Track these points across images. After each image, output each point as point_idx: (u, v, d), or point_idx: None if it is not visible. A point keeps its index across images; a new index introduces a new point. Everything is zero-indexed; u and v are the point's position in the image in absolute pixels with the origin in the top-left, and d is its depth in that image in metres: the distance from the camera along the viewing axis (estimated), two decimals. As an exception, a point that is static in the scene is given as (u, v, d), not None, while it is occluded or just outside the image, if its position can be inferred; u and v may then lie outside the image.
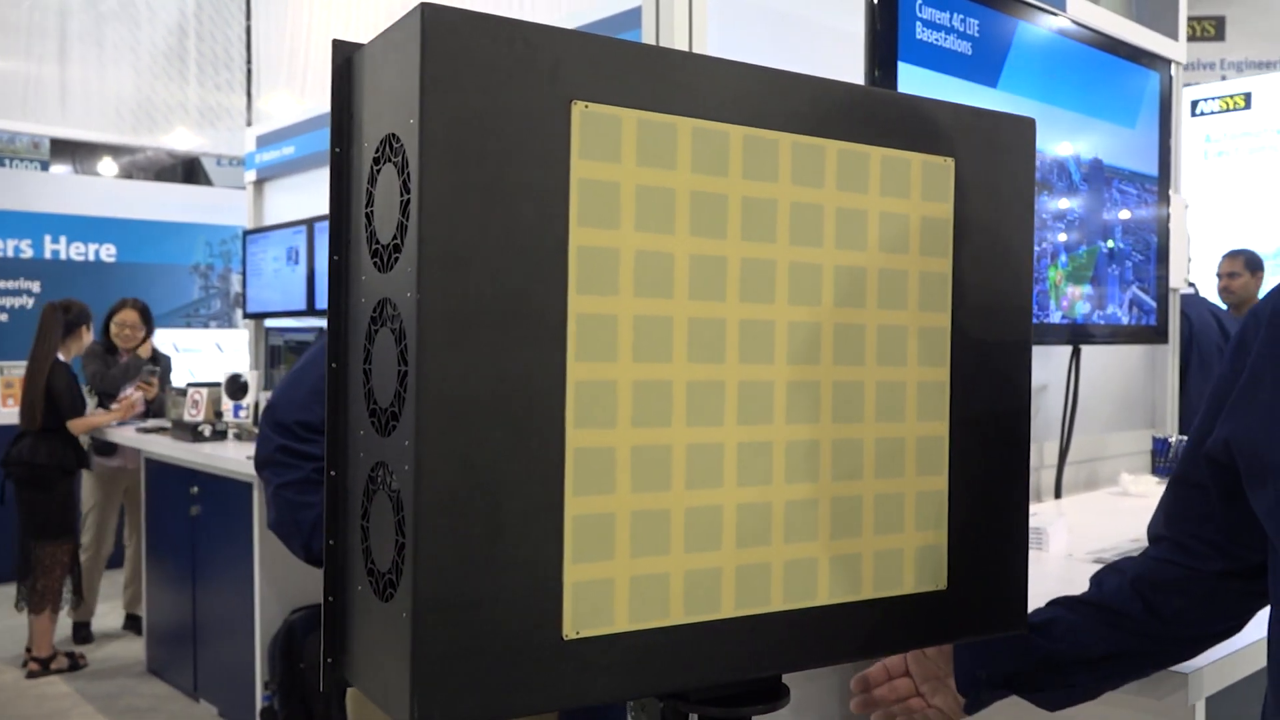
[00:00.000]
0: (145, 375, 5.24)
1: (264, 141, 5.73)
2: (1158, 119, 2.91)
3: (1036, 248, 2.31)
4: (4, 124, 8.01)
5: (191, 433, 4.47)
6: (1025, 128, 1.18)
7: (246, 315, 5.63)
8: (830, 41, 2.14)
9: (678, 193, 0.95)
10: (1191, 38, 3.19)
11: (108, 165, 11.08)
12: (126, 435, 4.90)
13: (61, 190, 8.78)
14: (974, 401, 1.14)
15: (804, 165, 1.02)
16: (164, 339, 6.26)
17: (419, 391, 0.83)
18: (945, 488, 1.12)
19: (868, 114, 1.07)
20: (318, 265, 4.83)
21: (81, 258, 8.42)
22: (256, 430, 2.63)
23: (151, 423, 5.07)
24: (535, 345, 0.88)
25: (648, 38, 1.86)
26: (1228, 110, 6.66)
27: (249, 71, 7.47)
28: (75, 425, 4.86)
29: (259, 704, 3.83)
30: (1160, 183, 2.91)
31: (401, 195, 0.86)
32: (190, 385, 4.87)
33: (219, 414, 4.69)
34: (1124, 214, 2.77)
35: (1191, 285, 4.60)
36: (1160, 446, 3.09)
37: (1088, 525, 2.34)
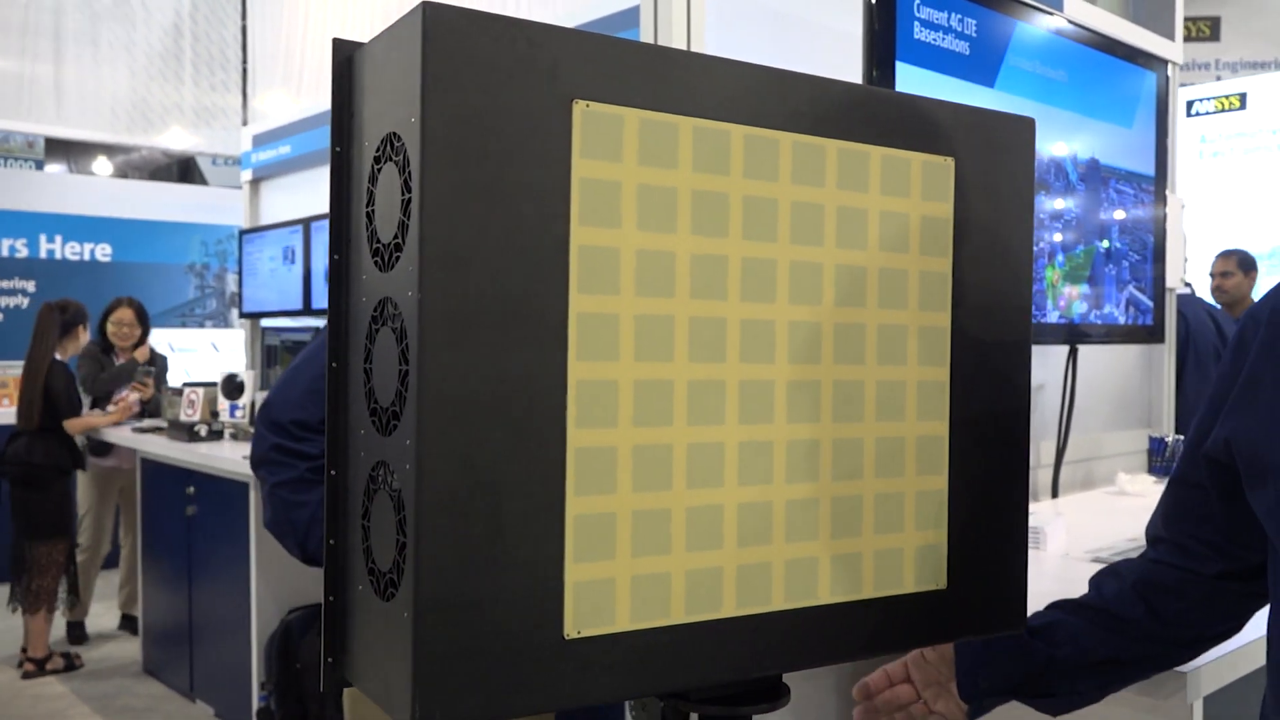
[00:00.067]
0: (140, 376, 5.23)
1: (260, 141, 5.72)
2: (1154, 119, 2.91)
3: (1034, 247, 2.32)
4: (-1, 123, 8.01)
5: (188, 433, 4.46)
6: (1025, 127, 1.18)
7: (243, 315, 5.63)
8: (828, 41, 2.14)
9: (679, 192, 0.95)
10: (1187, 38, 3.20)
11: (102, 164, 11.07)
12: (122, 435, 4.89)
13: (56, 189, 8.76)
14: (974, 401, 1.14)
15: (805, 164, 1.02)
16: (159, 339, 6.26)
17: (420, 391, 0.83)
18: (945, 487, 1.12)
19: (868, 113, 1.07)
20: (314, 265, 4.82)
21: (76, 257, 8.41)
22: (253, 430, 2.63)
23: (147, 422, 5.06)
24: (536, 344, 0.88)
25: (646, 37, 1.86)
26: (1223, 111, 6.68)
27: (244, 71, 7.45)
28: (71, 425, 4.85)
29: (255, 704, 3.82)
30: (1157, 182, 2.91)
31: (403, 194, 0.86)
32: (186, 385, 4.87)
33: (215, 414, 4.68)
34: (1121, 214, 2.77)
35: (1188, 285, 4.61)
36: (1157, 446, 3.09)
37: (1085, 525, 2.34)
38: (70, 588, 4.93)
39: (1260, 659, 1.33)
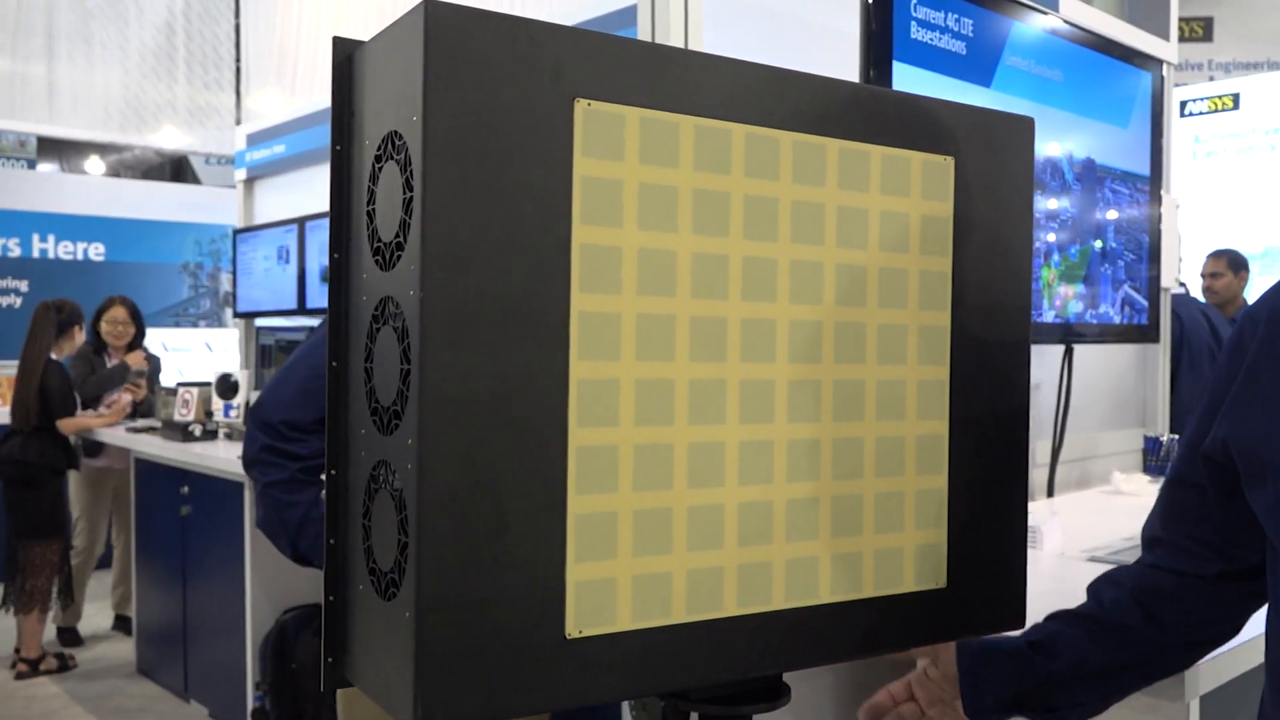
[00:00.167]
0: (133, 377, 5.22)
1: (254, 140, 5.71)
2: (1150, 119, 2.92)
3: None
4: (-9, 122, 7.98)
5: (182, 432, 4.45)
6: (1024, 127, 1.18)
7: (237, 314, 5.61)
8: (825, 40, 2.15)
9: (680, 191, 0.95)
10: (1180, 39, 3.21)
11: (95, 164, 11.03)
12: (116, 435, 4.87)
13: (49, 189, 8.73)
14: (974, 400, 1.14)
15: (805, 163, 1.02)
16: (153, 338, 6.23)
17: (422, 390, 0.83)
18: (945, 486, 1.12)
19: (868, 112, 1.07)
20: (309, 264, 4.81)
21: (70, 257, 8.38)
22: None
23: (142, 422, 5.04)
24: (538, 343, 0.88)
25: (643, 36, 1.86)
26: (1216, 111, 6.69)
27: (238, 69, 7.44)
28: (65, 425, 4.84)
29: (250, 705, 3.81)
30: (1152, 182, 2.92)
31: (404, 193, 0.86)
32: (180, 385, 4.85)
33: (209, 414, 4.67)
34: (1116, 214, 2.78)
35: (1182, 285, 4.62)
36: (1152, 445, 3.10)
37: (1080, 524, 2.35)
38: (64, 588, 4.91)
39: (1256, 657, 1.34)
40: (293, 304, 4.95)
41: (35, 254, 8.22)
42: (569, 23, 3.34)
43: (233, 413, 4.61)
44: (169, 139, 8.39)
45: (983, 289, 1.14)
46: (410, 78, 0.85)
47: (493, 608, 0.86)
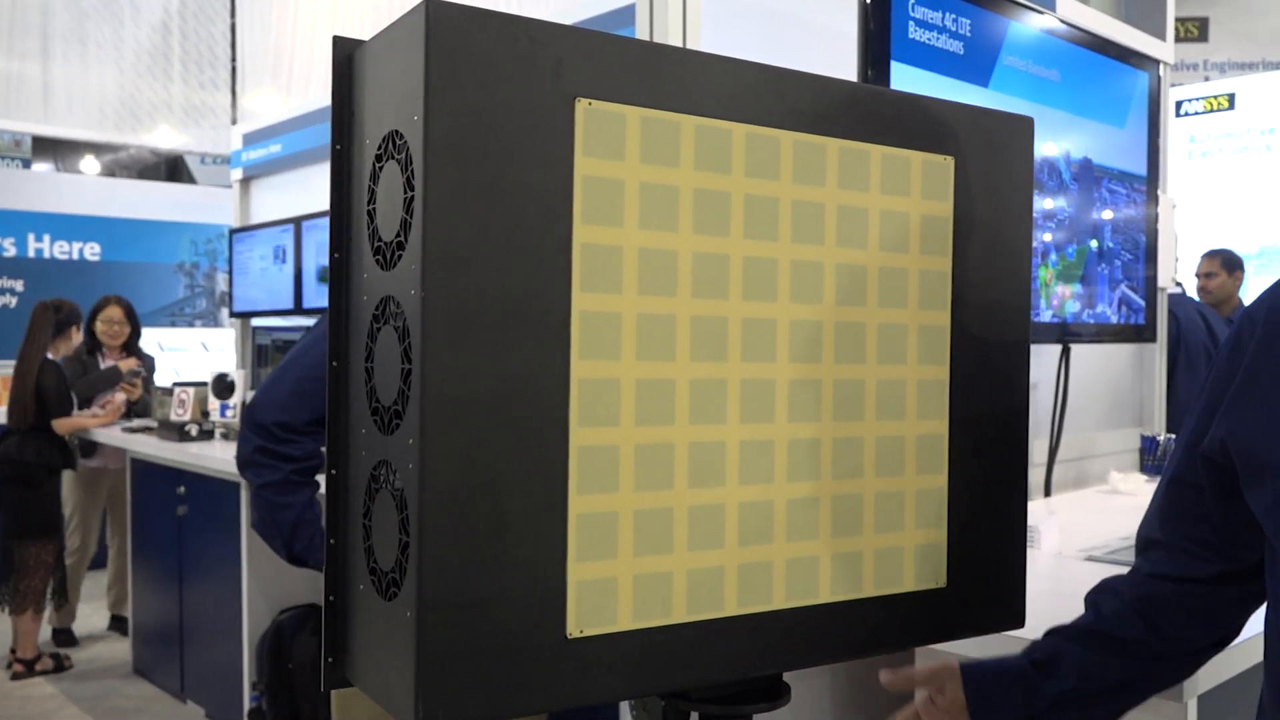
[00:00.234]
0: (128, 377, 5.21)
1: (251, 139, 5.70)
2: (1146, 119, 2.93)
3: (1027, 247, 2.32)
4: (-14, 121, 7.96)
5: (178, 432, 4.44)
6: (1024, 127, 1.18)
7: (233, 314, 5.60)
8: (824, 40, 2.15)
9: (681, 190, 0.95)
10: (1175, 39, 3.21)
11: (90, 163, 11.01)
12: (112, 435, 4.86)
13: (45, 188, 8.71)
14: (973, 400, 1.14)
15: (805, 163, 1.02)
16: (149, 338, 6.22)
17: (423, 389, 0.83)
18: (945, 486, 1.12)
19: (868, 112, 1.07)
20: (305, 264, 4.80)
21: (65, 256, 8.36)
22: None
23: (137, 422, 5.03)
24: (539, 343, 0.88)
25: (641, 35, 1.86)
26: (1212, 111, 6.70)
27: (234, 69, 7.43)
28: (61, 425, 4.83)
29: (246, 705, 3.81)
30: (1149, 182, 2.92)
31: (405, 192, 0.86)
32: (176, 385, 4.84)
33: (205, 413, 4.66)
34: (1113, 213, 2.78)
35: (1179, 285, 4.63)
36: (1149, 445, 3.10)
37: (1078, 523, 2.35)
38: (59, 589, 4.90)
39: (1255, 657, 1.34)
40: (289, 304, 4.95)
41: (31, 254, 8.20)
42: (567, 22, 3.33)
43: (229, 413, 4.60)
44: (164, 139, 8.38)
45: (983, 289, 1.14)
46: (411, 77, 0.85)
47: (494, 607, 0.86)
